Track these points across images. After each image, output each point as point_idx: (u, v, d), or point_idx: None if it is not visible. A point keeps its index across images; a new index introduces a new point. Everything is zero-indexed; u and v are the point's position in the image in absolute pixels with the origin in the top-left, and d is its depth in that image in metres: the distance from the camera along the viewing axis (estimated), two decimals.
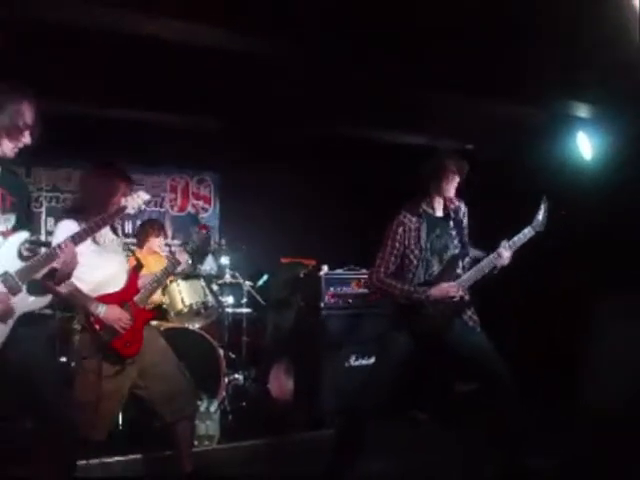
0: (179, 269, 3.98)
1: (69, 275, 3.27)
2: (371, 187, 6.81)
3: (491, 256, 3.90)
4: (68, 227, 3.60)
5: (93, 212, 3.50)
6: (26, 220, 3.18)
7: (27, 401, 3.13)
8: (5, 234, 3.00)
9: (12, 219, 3.06)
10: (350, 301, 5.76)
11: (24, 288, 2.98)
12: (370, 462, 4.18)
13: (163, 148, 6.32)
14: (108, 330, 3.59)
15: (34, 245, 3.03)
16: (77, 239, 3.18)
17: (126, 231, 6.67)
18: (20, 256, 3.00)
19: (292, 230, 6.78)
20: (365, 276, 5.71)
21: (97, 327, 3.58)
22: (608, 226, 5.45)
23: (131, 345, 3.68)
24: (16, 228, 3.06)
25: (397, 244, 3.89)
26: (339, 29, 4.22)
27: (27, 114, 2.98)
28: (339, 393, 5.35)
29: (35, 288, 3.07)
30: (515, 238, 3.95)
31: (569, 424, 4.85)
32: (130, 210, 3.47)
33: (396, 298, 3.87)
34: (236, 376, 5.78)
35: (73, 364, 4.63)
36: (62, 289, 3.50)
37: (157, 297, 5.33)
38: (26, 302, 3.01)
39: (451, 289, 3.83)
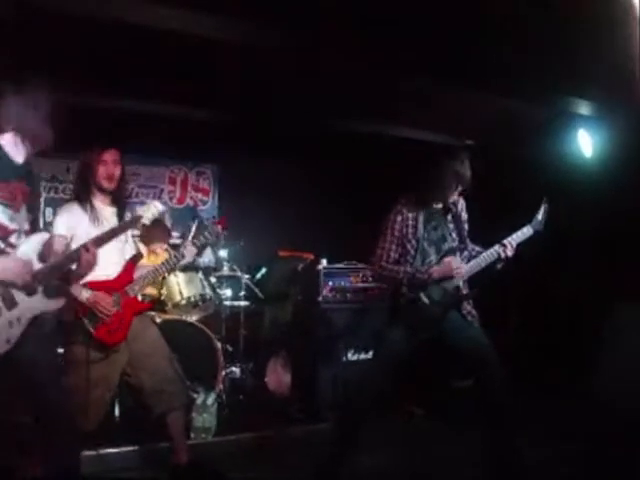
0: (182, 262, 3.95)
1: (84, 276, 3.30)
2: (371, 181, 6.79)
3: (494, 248, 3.89)
4: (71, 210, 3.63)
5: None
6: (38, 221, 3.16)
7: (30, 400, 3.10)
8: (27, 233, 2.97)
9: (30, 218, 3.02)
10: (348, 295, 5.75)
11: (40, 290, 2.95)
12: (366, 456, 4.19)
13: (162, 139, 6.29)
14: (91, 317, 3.57)
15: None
16: (99, 242, 3.22)
17: None
18: (40, 257, 2.98)
19: (291, 223, 6.76)
20: (364, 270, 5.74)
21: (80, 313, 3.56)
22: (608, 223, 5.45)
23: (115, 333, 3.65)
24: (34, 228, 3.04)
25: (396, 232, 3.88)
26: (339, 21, 4.20)
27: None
28: (336, 387, 5.35)
29: (51, 290, 3.04)
30: (514, 235, 3.95)
31: (567, 417, 4.88)
32: (145, 220, 3.55)
33: (399, 282, 3.83)
34: (233, 369, 5.76)
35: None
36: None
37: (155, 289, 5.33)
38: (41, 304, 2.98)
39: (453, 263, 3.83)
